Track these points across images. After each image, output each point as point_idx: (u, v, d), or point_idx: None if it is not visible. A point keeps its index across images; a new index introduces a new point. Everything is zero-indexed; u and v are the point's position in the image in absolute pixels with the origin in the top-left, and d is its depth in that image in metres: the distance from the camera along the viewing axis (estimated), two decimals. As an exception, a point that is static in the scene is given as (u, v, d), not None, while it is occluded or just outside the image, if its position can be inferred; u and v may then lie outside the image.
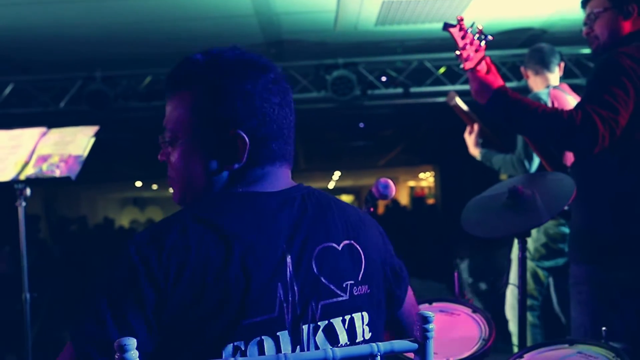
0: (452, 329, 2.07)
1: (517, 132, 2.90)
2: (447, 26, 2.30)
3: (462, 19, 2.28)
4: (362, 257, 1.28)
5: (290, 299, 1.17)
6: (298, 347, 1.17)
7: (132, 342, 0.97)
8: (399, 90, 6.22)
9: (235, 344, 1.12)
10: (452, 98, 3.31)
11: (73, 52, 5.81)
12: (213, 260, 1.13)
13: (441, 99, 6.18)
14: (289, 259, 1.18)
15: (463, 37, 2.27)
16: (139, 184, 18.01)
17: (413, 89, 6.21)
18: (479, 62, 2.28)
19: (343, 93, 5.93)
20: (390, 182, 2.10)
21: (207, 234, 1.15)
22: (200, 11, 4.86)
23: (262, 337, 1.14)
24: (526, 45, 5.29)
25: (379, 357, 1.08)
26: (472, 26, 2.28)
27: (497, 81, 2.29)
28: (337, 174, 18.89)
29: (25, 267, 3.22)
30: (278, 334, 1.15)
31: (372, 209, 2.19)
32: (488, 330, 2.05)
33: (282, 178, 1.30)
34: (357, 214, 1.36)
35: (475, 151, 3.56)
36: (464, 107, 3.35)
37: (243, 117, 1.24)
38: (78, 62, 5.96)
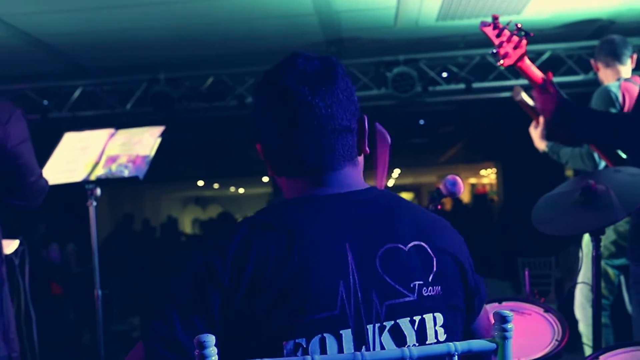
0: (524, 329, 2.02)
1: (584, 141, 2.85)
2: (482, 25, 2.32)
3: (497, 17, 2.29)
4: (433, 258, 1.24)
5: (352, 297, 1.16)
6: (363, 347, 1.15)
7: (210, 339, 1.00)
8: (461, 86, 6.13)
9: (297, 340, 1.12)
10: (518, 93, 3.25)
11: (138, 55, 5.95)
12: (273, 256, 1.15)
13: (504, 94, 6.07)
14: (351, 258, 1.18)
15: (498, 35, 2.27)
16: (200, 183, 18.32)
17: (475, 85, 6.11)
18: (519, 59, 2.27)
19: (404, 90, 5.87)
20: (459, 179, 2.07)
21: (270, 231, 1.19)
22: (261, 11, 4.89)
23: (324, 334, 1.13)
24: (594, 37, 5.13)
25: (456, 357, 1.06)
26: (508, 24, 2.28)
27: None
28: (396, 172, 18.77)
29: (97, 265, 3.32)
30: (341, 332, 1.14)
31: (439, 207, 2.17)
32: (561, 331, 2.00)
33: (346, 180, 1.29)
34: (430, 217, 1.34)
35: (541, 144, 3.48)
36: (530, 102, 3.28)
37: (257, 131, 1.32)
38: (143, 64, 6.10)
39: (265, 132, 1.30)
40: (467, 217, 12.03)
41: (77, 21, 4.92)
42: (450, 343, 1.07)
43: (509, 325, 1.08)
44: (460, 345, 1.06)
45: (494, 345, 1.09)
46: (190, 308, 1.15)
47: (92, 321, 3.87)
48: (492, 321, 1.11)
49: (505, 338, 1.08)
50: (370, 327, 1.16)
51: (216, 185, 19.82)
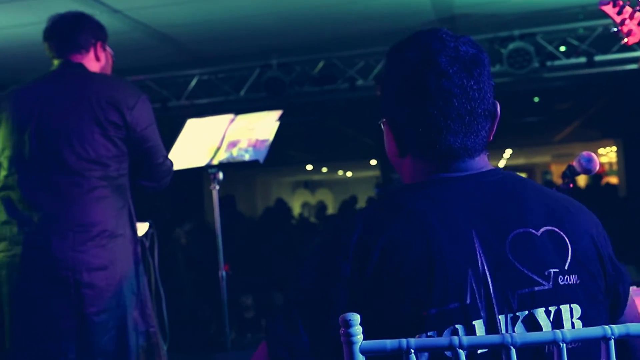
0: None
1: None
2: (601, 4, 2.21)
3: None
4: (568, 244, 1.17)
5: (482, 286, 1.11)
6: None
7: (356, 318, 0.99)
8: (582, 59, 5.83)
9: (429, 334, 1.09)
10: None
11: (250, 43, 6.07)
12: (399, 245, 1.12)
13: (630, 67, 5.72)
14: (478, 245, 1.13)
15: (619, 13, 2.15)
16: (309, 167, 18.55)
17: (597, 58, 5.79)
18: None
19: (520, 66, 5.65)
20: (594, 155, 1.96)
21: (395, 219, 1.15)
22: (372, -8, 4.86)
23: (456, 326, 1.09)
24: None
25: (612, 340, 1.00)
26: (630, 0, 2.15)
27: None
28: (508, 152, 18.21)
29: (220, 247, 3.43)
30: (473, 323, 1.10)
31: (571, 185, 2.07)
32: None
33: (473, 161, 1.23)
34: (563, 200, 1.26)
35: None
36: None
37: (385, 107, 1.28)
38: (255, 51, 6.22)
39: (402, 110, 1.24)
40: (584, 199, 11.51)
41: (192, 11, 5.08)
42: (606, 326, 1.01)
43: (672, 309, 1.01)
44: (617, 329, 1.00)
45: (654, 329, 1.02)
46: (314, 307, 1.15)
47: (214, 301, 4.02)
48: None
49: (667, 322, 1.01)
50: (502, 317, 1.11)
51: (324, 169, 20.00)
